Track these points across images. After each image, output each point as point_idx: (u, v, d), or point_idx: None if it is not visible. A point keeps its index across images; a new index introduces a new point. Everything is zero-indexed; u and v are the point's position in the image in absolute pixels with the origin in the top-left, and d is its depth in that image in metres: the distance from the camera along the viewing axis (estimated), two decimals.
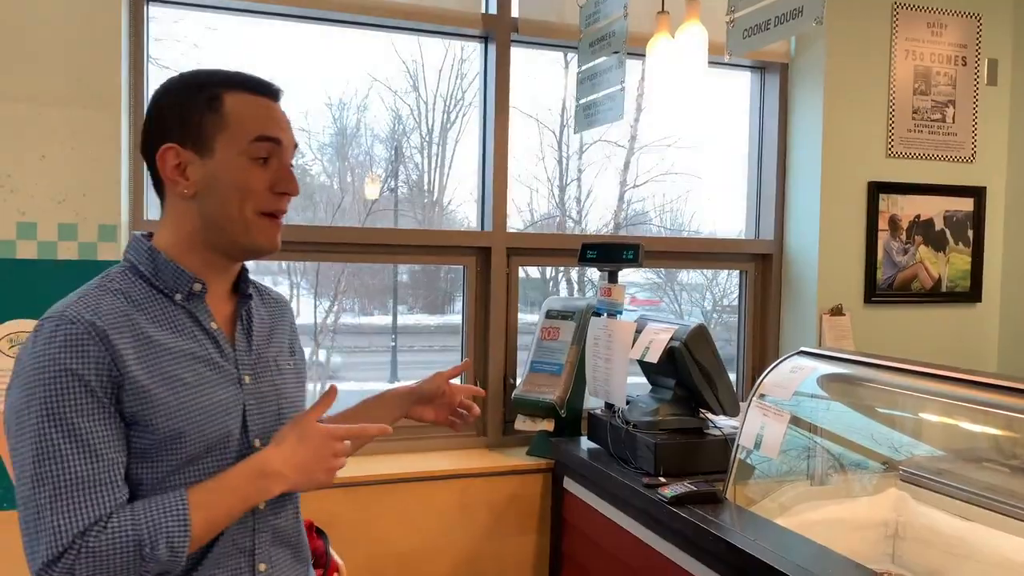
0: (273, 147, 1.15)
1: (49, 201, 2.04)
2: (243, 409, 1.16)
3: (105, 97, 2.09)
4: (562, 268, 3.21)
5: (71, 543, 0.98)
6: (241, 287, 1.24)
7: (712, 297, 3.42)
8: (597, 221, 3.08)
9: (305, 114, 2.64)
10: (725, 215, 3.14)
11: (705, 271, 3.29)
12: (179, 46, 2.39)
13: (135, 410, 1.05)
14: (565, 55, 2.87)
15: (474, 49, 2.74)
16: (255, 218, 1.14)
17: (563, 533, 2.41)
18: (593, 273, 3.13)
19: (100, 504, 1.00)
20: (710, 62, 2.25)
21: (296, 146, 1.21)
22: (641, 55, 2.42)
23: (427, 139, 2.88)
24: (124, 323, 1.07)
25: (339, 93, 2.71)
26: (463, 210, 2.89)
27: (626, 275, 2.37)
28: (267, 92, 1.18)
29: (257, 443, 1.16)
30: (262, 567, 1.17)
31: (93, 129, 2.08)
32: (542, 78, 2.84)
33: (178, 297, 1.14)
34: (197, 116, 1.12)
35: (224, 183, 1.12)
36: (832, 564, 1.52)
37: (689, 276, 3.41)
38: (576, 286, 3.32)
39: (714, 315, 3.39)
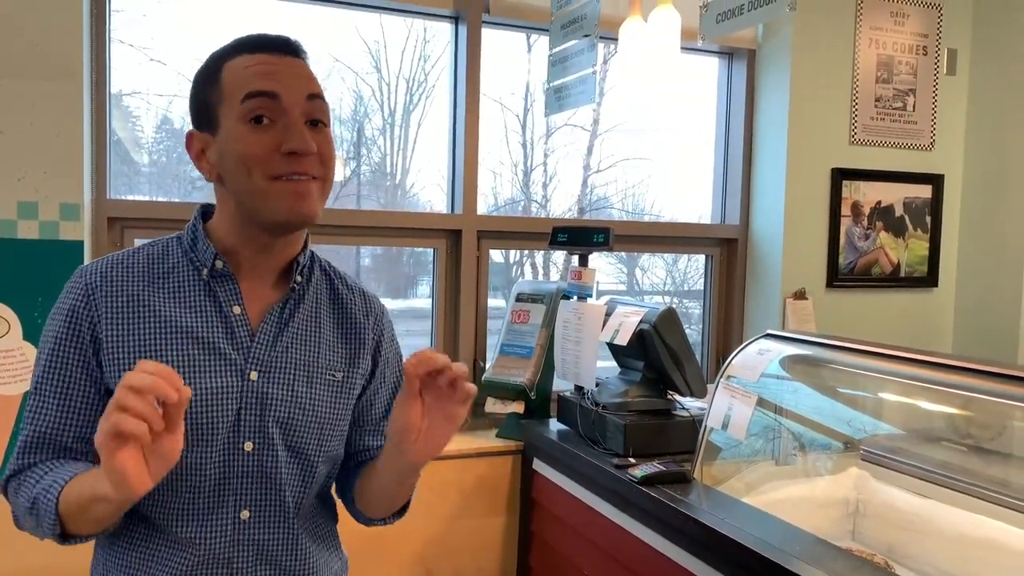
0: (267, 103, 1.03)
1: (8, 178, 1.98)
2: (239, 406, 1.07)
3: (66, 68, 2.02)
4: (526, 253, 3.21)
5: (11, 475, 1.06)
6: (294, 275, 1.14)
7: (673, 282, 3.45)
8: (561, 205, 3.09)
9: None
10: (687, 200, 3.17)
11: (665, 256, 3.32)
12: (137, 19, 2.33)
13: (108, 374, 1.06)
14: (528, 37, 2.86)
15: (437, 30, 2.71)
16: (267, 185, 1.03)
17: (532, 513, 2.43)
18: (558, 258, 3.14)
19: (33, 453, 1.05)
20: (681, 47, 2.26)
21: (315, 96, 1.06)
22: (613, 39, 2.42)
23: (389, 121, 2.85)
24: (126, 286, 1.07)
25: None
26: (425, 193, 2.87)
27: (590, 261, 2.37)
28: (267, 47, 1.06)
29: (248, 446, 1.08)
30: None
31: (54, 103, 2.01)
32: (505, 61, 2.82)
33: (204, 273, 1.09)
34: (203, 95, 1.07)
35: (230, 156, 1.04)
36: (797, 541, 1.56)
37: (651, 261, 3.44)
38: (541, 271, 3.32)
39: (674, 301, 3.42)
